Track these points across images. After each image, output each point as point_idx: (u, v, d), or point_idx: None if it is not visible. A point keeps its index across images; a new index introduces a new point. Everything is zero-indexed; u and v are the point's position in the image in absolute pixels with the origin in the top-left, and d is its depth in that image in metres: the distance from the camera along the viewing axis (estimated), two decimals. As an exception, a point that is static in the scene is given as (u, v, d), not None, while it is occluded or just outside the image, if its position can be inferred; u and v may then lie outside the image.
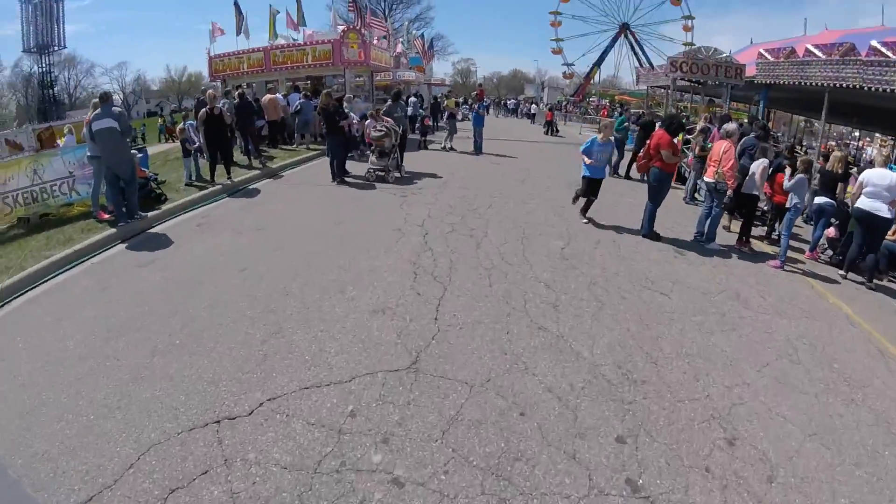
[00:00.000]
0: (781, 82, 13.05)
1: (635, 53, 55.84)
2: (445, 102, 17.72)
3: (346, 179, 11.42)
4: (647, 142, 8.20)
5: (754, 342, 5.15)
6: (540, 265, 6.56)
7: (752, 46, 19.93)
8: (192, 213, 8.95)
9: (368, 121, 12.01)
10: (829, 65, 11.60)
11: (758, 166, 8.08)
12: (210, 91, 11.10)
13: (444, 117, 17.58)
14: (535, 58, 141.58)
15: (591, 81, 57.33)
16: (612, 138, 9.18)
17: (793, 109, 24.25)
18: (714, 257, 7.74)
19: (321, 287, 5.66)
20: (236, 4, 22.30)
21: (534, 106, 42.43)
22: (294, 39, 21.41)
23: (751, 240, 8.43)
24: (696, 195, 11.55)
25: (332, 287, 5.66)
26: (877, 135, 27.32)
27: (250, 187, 10.87)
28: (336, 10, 22.53)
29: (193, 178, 10.70)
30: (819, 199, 7.98)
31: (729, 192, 7.85)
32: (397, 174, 11.89)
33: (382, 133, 11.42)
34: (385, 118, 12.16)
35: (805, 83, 12.31)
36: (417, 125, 18.09)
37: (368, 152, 12.06)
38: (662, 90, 31.96)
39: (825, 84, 11.51)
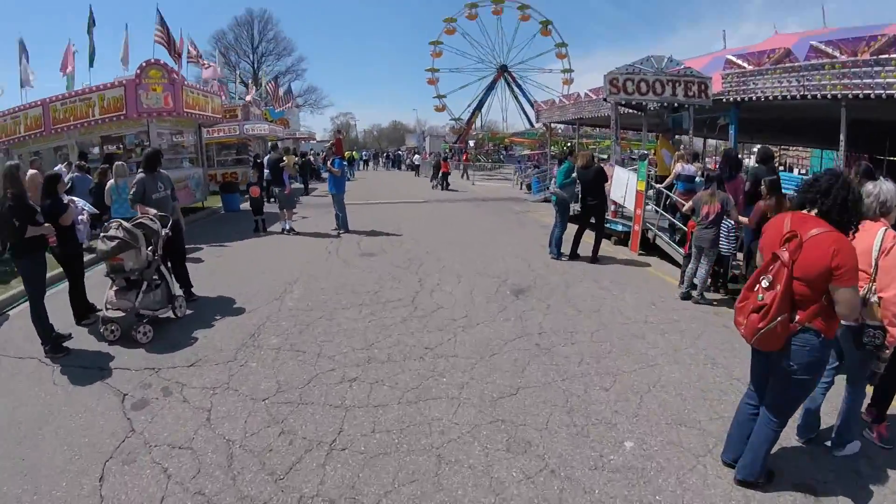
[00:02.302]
0: (770, 96, 8.92)
1: (514, 94, 54.31)
2: (285, 160, 11.94)
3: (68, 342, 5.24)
4: (774, 263, 2.92)
5: None
6: None
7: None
8: None
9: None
10: (855, 68, 7.69)
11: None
12: None
13: (288, 183, 11.73)
14: (414, 107, 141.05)
15: (473, 126, 54.83)
16: None
17: (765, 136, 18.44)
18: None
19: None
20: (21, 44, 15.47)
21: (416, 157, 37.97)
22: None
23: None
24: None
25: None
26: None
27: None
28: (130, 37, 15.88)
29: None
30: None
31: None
32: (171, 313, 5.88)
33: (117, 242, 5.41)
34: (144, 209, 6.20)
35: (812, 95, 8.34)
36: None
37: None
38: (561, 127, 28.74)
39: (845, 95, 7.58)
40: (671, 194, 9.13)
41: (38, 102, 13.40)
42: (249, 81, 32.66)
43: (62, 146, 14.04)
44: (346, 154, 37.81)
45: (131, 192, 6.32)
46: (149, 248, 5.66)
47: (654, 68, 10.03)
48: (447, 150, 39.15)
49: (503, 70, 53.41)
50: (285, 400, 4.09)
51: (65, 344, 5.24)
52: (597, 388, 4.35)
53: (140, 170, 6.47)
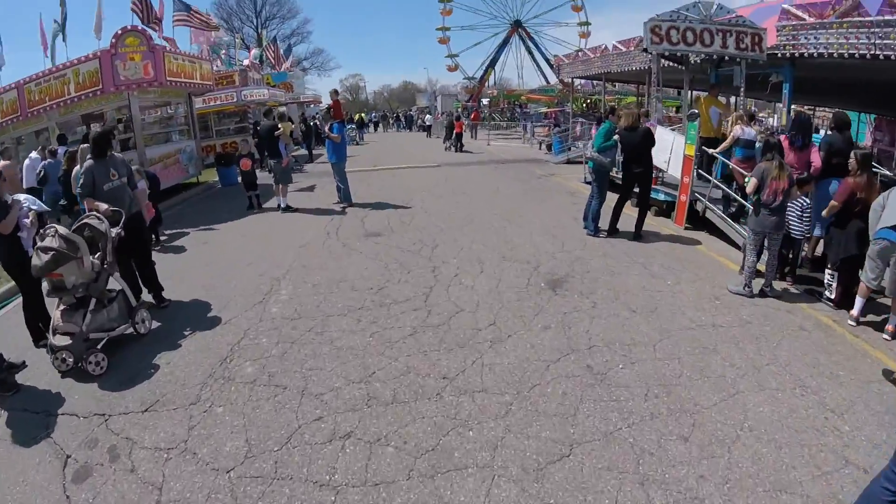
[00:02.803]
0: (834, 53, 7.41)
1: (529, 50, 51.58)
2: (280, 128, 10.63)
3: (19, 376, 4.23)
4: None
5: None
6: None
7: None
8: None
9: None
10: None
11: None
12: None
13: (284, 152, 10.46)
14: (424, 66, 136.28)
15: (487, 84, 52.38)
16: None
17: (816, 97, 16.19)
18: None
19: None
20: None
21: (428, 116, 36.23)
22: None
23: None
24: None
25: None
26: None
27: None
28: (106, 8, 14.50)
29: None
30: None
31: None
32: (132, 329, 4.83)
33: (52, 255, 4.31)
34: (93, 204, 5.07)
35: (885, 55, 6.95)
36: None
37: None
38: (580, 83, 26.64)
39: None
40: (728, 161, 7.74)
41: (13, 85, 12.19)
42: (252, 46, 30.88)
43: (44, 129, 12.96)
44: (355, 116, 36.30)
45: (79, 186, 5.17)
46: (95, 256, 4.58)
47: (702, 15, 8.50)
48: (459, 109, 37.23)
49: (517, 25, 50.49)
50: (255, 472, 3.03)
51: (17, 377, 4.26)
52: (673, 437, 3.21)
53: (89, 156, 5.30)
